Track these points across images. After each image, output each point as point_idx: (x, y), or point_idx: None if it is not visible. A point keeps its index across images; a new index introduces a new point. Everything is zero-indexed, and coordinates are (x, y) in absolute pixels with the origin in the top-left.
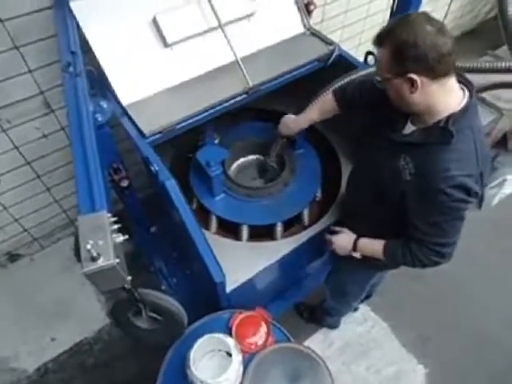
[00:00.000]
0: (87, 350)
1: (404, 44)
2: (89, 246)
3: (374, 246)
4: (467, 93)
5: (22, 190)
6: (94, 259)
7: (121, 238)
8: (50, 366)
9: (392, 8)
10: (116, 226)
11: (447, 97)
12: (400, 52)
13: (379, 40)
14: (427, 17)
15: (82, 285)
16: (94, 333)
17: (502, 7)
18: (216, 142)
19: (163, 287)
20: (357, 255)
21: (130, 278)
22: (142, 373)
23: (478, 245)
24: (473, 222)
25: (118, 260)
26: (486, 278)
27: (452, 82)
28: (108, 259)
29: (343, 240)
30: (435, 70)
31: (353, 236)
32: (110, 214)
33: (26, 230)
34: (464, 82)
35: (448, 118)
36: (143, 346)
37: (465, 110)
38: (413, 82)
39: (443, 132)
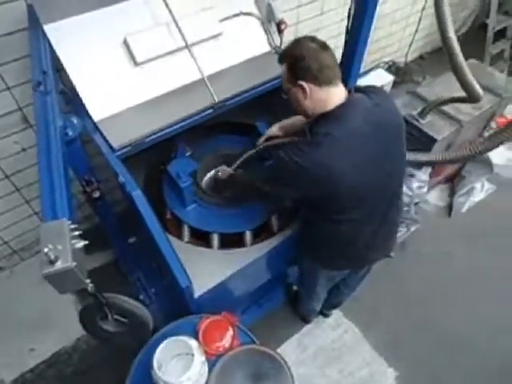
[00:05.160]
0: (66, 359)
1: (295, 58)
2: (46, 250)
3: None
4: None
5: (2, 203)
6: (51, 262)
7: (81, 243)
8: (28, 377)
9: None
10: (77, 233)
11: (328, 101)
12: (293, 65)
13: (280, 59)
14: (312, 37)
15: (61, 296)
16: (73, 342)
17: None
18: (188, 154)
19: (141, 297)
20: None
21: (88, 281)
22: (120, 381)
23: (450, 250)
24: (444, 229)
25: (75, 263)
26: (457, 281)
27: (338, 90)
28: (65, 262)
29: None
30: (319, 78)
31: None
32: (70, 222)
33: (5, 243)
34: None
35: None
36: (114, 351)
37: (329, 114)
38: (303, 89)
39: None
